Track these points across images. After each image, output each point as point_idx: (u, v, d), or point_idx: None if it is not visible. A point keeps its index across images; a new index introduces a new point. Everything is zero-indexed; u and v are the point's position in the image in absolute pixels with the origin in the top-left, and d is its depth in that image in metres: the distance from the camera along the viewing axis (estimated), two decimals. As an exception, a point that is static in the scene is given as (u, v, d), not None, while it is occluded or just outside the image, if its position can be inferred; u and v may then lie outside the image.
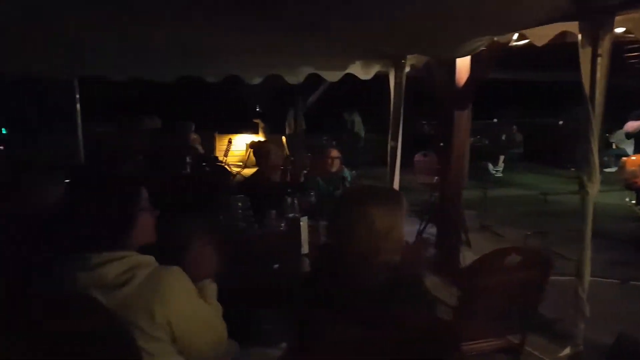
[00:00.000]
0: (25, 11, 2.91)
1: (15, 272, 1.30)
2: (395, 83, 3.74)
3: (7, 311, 1.19)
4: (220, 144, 11.23)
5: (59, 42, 3.08)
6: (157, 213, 1.39)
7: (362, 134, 10.52)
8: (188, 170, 5.10)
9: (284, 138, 10.78)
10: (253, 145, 5.48)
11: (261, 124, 12.34)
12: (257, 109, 12.85)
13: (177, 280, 1.28)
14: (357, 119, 10.44)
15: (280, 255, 2.34)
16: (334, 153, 3.59)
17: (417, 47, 3.37)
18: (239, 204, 2.96)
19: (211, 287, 1.48)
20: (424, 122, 11.11)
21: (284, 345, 2.28)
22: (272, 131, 11.79)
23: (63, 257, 1.27)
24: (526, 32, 2.77)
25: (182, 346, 1.30)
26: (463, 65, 3.77)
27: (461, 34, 2.86)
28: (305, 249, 2.41)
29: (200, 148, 6.85)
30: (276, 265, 2.26)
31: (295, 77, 3.76)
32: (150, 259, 1.30)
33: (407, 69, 3.74)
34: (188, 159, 5.43)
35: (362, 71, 3.79)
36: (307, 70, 3.74)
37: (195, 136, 6.90)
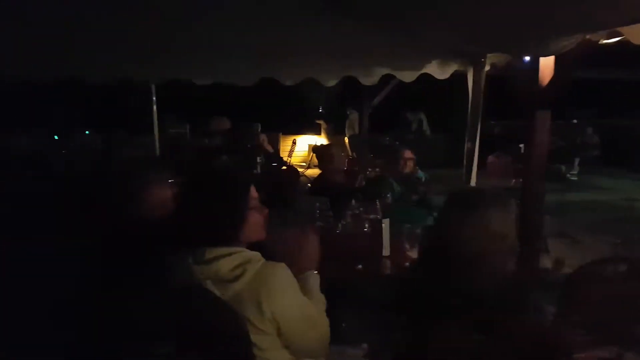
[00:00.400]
0: (112, 17, 3.10)
1: (134, 267, 1.40)
2: (474, 82, 3.65)
3: (126, 302, 1.28)
4: (284, 144, 11.45)
5: (147, 45, 3.25)
6: (267, 212, 1.45)
7: (429, 134, 10.33)
8: (259, 170, 5.25)
9: (346, 139, 10.82)
10: (316, 149, 5.58)
11: (324, 125, 12.45)
12: (320, 110, 12.97)
13: (283, 276, 1.33)
14: (424, 118, 10.27)
15: (362, 256, 2.35)
16: (408, 154, 3.55)
17: (500, 46, 3.27)
18: (317, 204, 3.01)
19: (314, 279, 1.52)
20: (493, 122, 10.72)
21: (364, 345, 2.30)
22: (335, 132, 11.85)
23: (177, 251, 1.35)
24: (622, 28, 2.61)
25: (287, 340, 1.35)
26: (547, 63, 3.61)
27: (550, 31, 2.74)
28: (386, 251, 2.40)
29: (269, 148, 7.01)
30: (359, 266, 2.27)
31: (370, 78, 3.76)
32: (257, 254, 1.36)
33: (487, 68, 3.64)
34: (259, 159, 5.60)
35: (439, 70, 3.72)
36: (382, 71, 3.72)
37: (264, 137, 7.08)
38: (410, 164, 3.52)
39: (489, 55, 3.59)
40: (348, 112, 11.12)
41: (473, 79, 3.67)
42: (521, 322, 1.20)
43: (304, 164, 11.04)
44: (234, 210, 1.36)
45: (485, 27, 2.97)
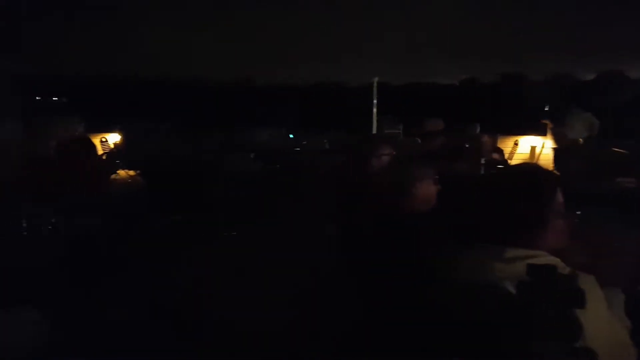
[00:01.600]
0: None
1: (425, 258, 1.46)
2: None
3: (417, 294, 1.33)
4: (503, 145, 10.73)
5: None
6: (574, 219, 1.36)
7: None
8: (482, 171, 5.08)
9: (580, 141, 9.57)
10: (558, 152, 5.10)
11: (550, 125, 11.24)
12: (546, 109, 11.75)
13: (596, 290, 1.22)
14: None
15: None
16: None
17: None
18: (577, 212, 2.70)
19: (620, 299, 1.36)
20: None
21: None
22: (563, 133, 10.59)
23: (475, 246, 1.34)
24: None
25: None
26: None
27: None
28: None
29: (494, 150, 6.70)
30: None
31: (643, 70, 3.22)
32: (560, 261, 1.27)
33: None
34: (483, 161, 5.39)
35: None
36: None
37: (487, 137, 6.79)
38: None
39: None
40: (574, 112, 9.84)
41: None
42: None
43: (526, 167, 10.17)
44: (537, 213, 1.30)
45: None
